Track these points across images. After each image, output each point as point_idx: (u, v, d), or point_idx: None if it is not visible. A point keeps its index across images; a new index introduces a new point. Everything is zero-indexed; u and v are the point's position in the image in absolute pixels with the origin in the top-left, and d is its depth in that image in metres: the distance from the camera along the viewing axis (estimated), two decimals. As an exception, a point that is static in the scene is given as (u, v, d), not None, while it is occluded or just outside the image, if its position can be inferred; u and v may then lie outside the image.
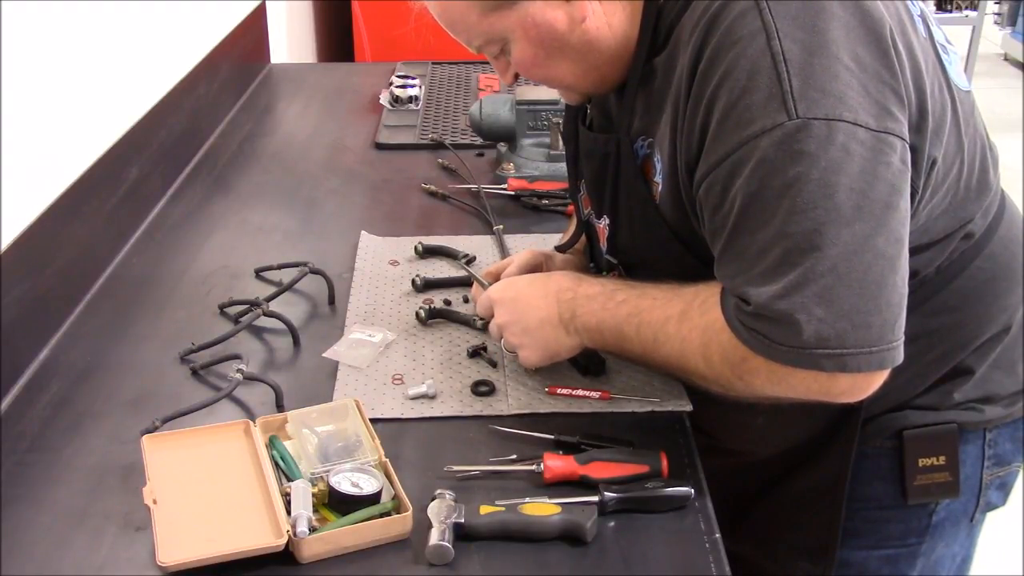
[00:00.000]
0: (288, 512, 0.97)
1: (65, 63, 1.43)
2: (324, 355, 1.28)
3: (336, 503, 0.99)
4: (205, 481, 1.04)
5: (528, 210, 1.71)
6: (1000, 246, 1.15)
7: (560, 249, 1.36)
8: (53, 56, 1.40)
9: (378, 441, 1.06)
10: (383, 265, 1.51)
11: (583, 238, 1.33)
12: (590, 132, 1.21)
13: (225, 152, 2.00)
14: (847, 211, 0.91)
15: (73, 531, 1.01)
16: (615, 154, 1.14)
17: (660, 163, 1.08)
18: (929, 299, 1.11)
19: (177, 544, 0.94)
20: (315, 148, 2.04)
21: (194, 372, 1.25)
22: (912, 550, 1.26)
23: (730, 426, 1.25)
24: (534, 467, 1.05)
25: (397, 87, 2.28)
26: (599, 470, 1.05)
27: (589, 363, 1.21)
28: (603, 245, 1.22)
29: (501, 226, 1.61)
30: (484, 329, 1.30)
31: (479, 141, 1.96)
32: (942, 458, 1.19)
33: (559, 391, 1.18)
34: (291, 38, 2.99)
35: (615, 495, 1.01)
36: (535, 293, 1.17)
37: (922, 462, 1.19)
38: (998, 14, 6.63)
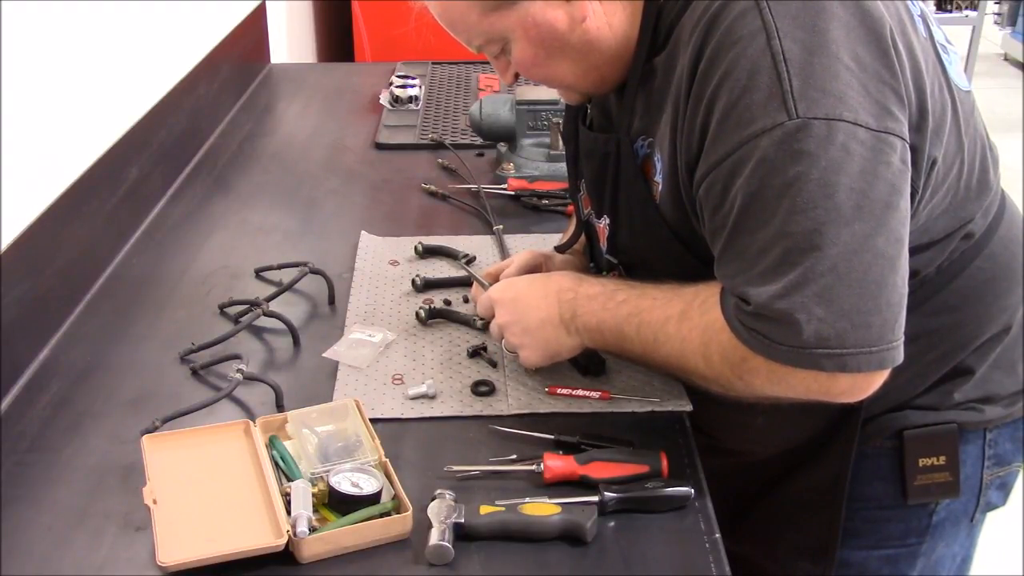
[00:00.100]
0: (288, 512, 0.97)
1: (65, 63, 1.43)
2: (324, 355, 1.28)
3: (336, 503, 0.99)
4: (205, 481, 1.04)
5: (528, 210, 1.71)
6: (1000, 246, 1.15)
7: (560, 249, 1.36)
8: (53, 56, 1.40)
9: (378, 441, 1.06)
10: (383, 265, 1.51)
11: (583, 238, 1.33)
12: (590, 132, 1.21)
13: (225, 152, 2.00)
14: (847, 211, 0.91)
15: (73, 531, 1.01)
16: (615, 154, 1.14)
17: (660, 163, 1.08)
18: (929, 299, 1.11)
19: (177, 544, 0.94)
20: (315, 148, 2.04)
21: (194, 372, 1.25)
22: (912, 550, 1.26)
23: (730, 426, 1.25)
24: (534, 467, 1.05)
25: (397, 87, 2.28)
26: (599, 470, 1.05)
27: (589, 363, 1.21)
28: (603, 245, 1.22)
29: (501, 226, 1.61)
30: (484, 329, 1.30)
31: (479, 141, 1.96)
32: (942, 458, 1.19)
33: (559, 391, 1.18)
34: (291, 38, 2.99)
35: (615, 495, 1.01)
36: (536, 293, 1.17)
37: (922, 462, 1.19)
38: (998, 14, 6.63)
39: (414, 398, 1.19)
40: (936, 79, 1.02)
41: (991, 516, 1.31)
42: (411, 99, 2.26)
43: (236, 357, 1.24)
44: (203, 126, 2.04)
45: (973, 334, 1.16)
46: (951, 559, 1.29)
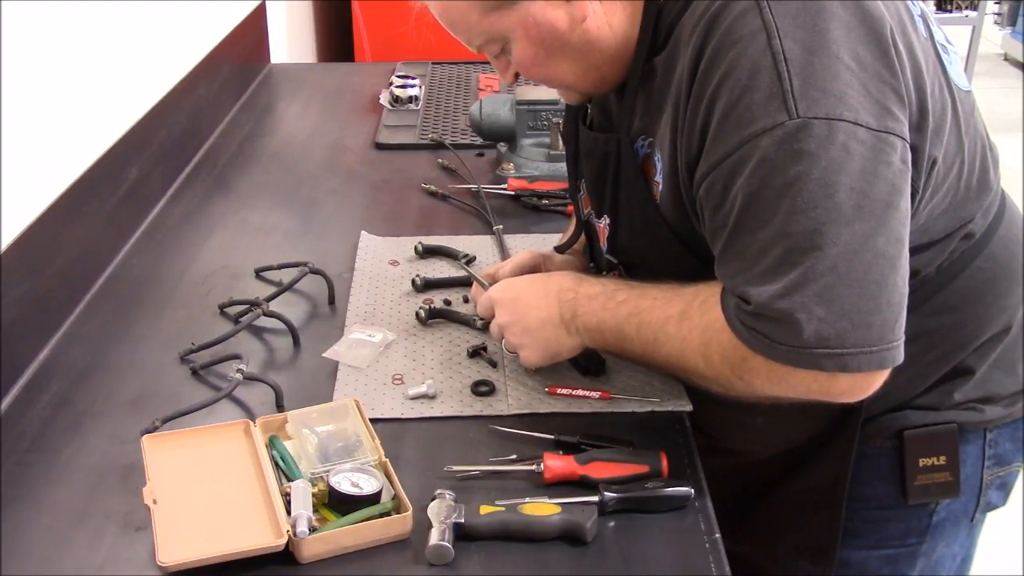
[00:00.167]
0: (288, 512, 0.97)
1: (65, 63, 1.43)
2: (324, 355, 1.28)
3: (336, 503, 0.99)
4: (205, 481, 1.04)
5: (528, 210, 1.71)
6: (1000, 246, 1.15)
7: (559, 249, 1.36)
8: (53, 56, 1.40)
9: (378, 441, 1.06)
10: (383, 265, 1.51)
11: (582, 238, 1.33)
12: (590, 132, 1.21)
13: (225, 152, 2.00)
14: (847, 210, 0.91)
15: (73, 531, 1.01)
16: (615, 154, 1.14)
17: (660, 162, 1.08)
18: (929, 299, 1.11)
19: (177, 544, 0.94)
20: (315, 148, 2.04)
21: (194, 372, 1.25)
22: (912, 550, 1.26)
23: (730, 426, 1.25)
24: (534, 467, 1.05)
25: (397, 87, 2.28)
26: (599, 470, 1.05)
27: (589, 363, 1.21)
28: (603, 245, 1.22)
29: (501, 226, 1.61)
30: (484, 329, 1.30)
31: (479, 141, 1.96)
32: (942, 458, 1.19)
33: (559, 391, 1.18)
34: (291, 38, 2.99)
35: (615, 495, 1.01)
36: (536, 293, 1.17)
37: (922, 462, 1.19)
38: (998, 14, 6.63)
39: (414, 398, 1.19)
40: (936, 79, 1.02)
41: (991, 516, 1.31)
42: (411, 99, 2.26)
43: (236, 357, 1.24)
44: (203, 126, 2.04)
45: (973, 334, 1.16)
46: (951, 559, 1.29)
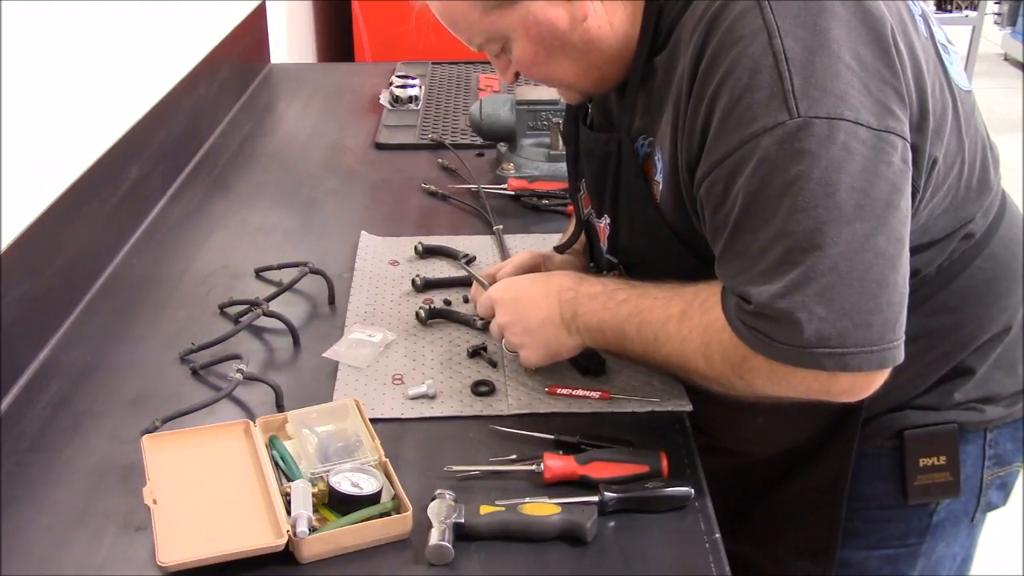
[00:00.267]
0: (288, 512, 0.97)
1: (65, 63, 1.43)
2: (324, 355, 1.28)
3: (336, 503, 0.99)
4: (205, 481, 1.03)
5: (528, 210, 1.71)
6: (1000, 246, 1.15)
7: (559, 249, 1.35)
8: (53, 56, 1.40)
9: (378, 441, 1.06)
10: (383, 265, 1.51)
11: (582, 238, 1.33)
12: (591, 131, 1.21)
13: (225, 152, 2.00)
14: (848, 210, 0.91)
15: (73, 531, 1.01)
16: (616, 153, 1.14)
17: (661, 162, 1.08)
18: (930, 299, 1.11)
19: (177, 544, 0.94)
20: (315, 148, 2.04)
21: (194, 372, 1.25)
22: (912, 550, 1.25)
23: (730, 426, 1.24)
24: (534, 467, 1.05)
25: (397, 87, 2.28)
26: (599, 470, 1.04)
27: (589, 363, 1.21)
28: (603, 244, 1.22)
29: (501, 226, 1.61)
30: (484, 329, 1.30)
31: (479, 141, 1.96)
32: (943, 458, 1.19)
33: (559, 391, 1.18)
34: (291, 38, 2.99)
35: (615, 495, 1.01)
36: (536, 293, 1.17)
37: (923, 462, 1.19)
38: (998, 14, 6.63)
39: (414, 398, 1.19)
40: (937, 79, 1.02)
41: (991, 516, 1.31)
42: (411, 99, 2.26)
43: (236, 357, 1.24)
44: (203, 126, 2.04)
45: (973, 334, 1.16)
46: (951, 559, 1.29)
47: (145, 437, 1.07)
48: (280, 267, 1.47)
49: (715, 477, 1.08)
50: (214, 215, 1.73)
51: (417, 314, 1.35)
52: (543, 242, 1.56)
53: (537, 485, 1.05)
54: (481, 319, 1.30)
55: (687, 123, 1.00)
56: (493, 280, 1.29)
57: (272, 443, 1.07)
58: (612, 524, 1.01)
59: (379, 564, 0.96)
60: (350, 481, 1.00)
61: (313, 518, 0.97)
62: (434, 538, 0.95)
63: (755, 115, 0.92)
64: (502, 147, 1.88)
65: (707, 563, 0.97)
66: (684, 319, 1.04)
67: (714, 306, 1.02)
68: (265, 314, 1.33)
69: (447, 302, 1.39)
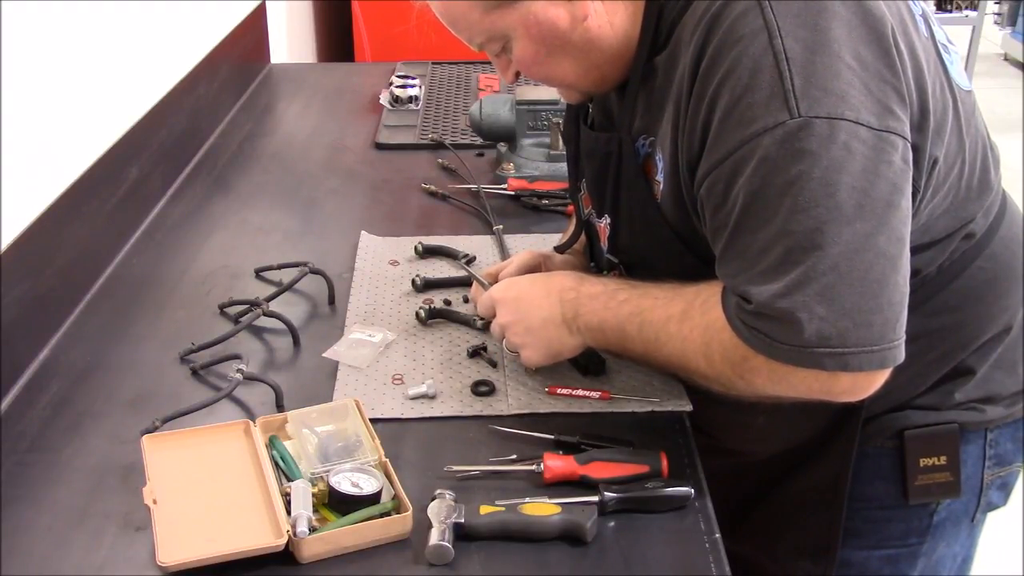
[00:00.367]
0: (288, 512, 0.97)
1: (65, 63, 1.43)
2: (324, 355, 1.28)
3: (336, 503, 0.99)
4: (205, 481, 1.03)
5: (528, 210, 1.71)
6: (1001, 246, 1.15)
7: (559, 249, 1.35)
8: (53, 56, 1.40)
9: (378, 441, 1.06)
10: (383, 265, 1.51)
11: (582, 238, 1.33)
12: (591, 131, 1.20)
13: (225, 152, 2.00)
14: (849, 210, 0.91)
15: (73, 531, 1.01)
16: (616, 153, 1.14)
17: (662, 162, 1.08)
18: (930, 299, 1.11)
19: (177, 544, 0.94)
20: (315, 148, 2.04)
21: (194, 372, 1.25)
22: (913, 550, 1.25)
23: (730, 426, 1.24)
24: (534, 467, 1.05)
25: (397, 87, 2.28)
26: (599, 470, 1.04)
27: (589, 363, 1.21)
28: (604, 244, 1.22)
29: (501, 226, 1.61)
30: (484, 329, 1.30)
31: (479, 141, 1.96)
32: (943, 458, 1.19)
33: (559, 391, 1.18)
34: (291, 38, 2.99)
35: (615, 495, 1.01)
36: (538, 293, 1.17)
37: (923, 462, 1.19)
38: (998, 14, 6.63)
39: (414, 398, 1.18)
40: (937, 79, 1.02)
41: (992, 516, 1.31)
42: (411, 99, 2.26)
43: (236, 357, 1.24)
44: (203, 126, 2.04)
45: (974, 334, 1.16)
46: (952, 559, 1.29)
47: (145, 437, 1.07)
48: (280, 267, 1.47)
49: (715, 477, 1.08)
50: (214, 215, 1.73)
51: (417, 314, 1.34)
52: (543, 242, 1.56)
53: (537, 485, 1.05)
54: (481, 319, 1.30)
55: (688, 123, 1.00)
56: (494, 280, 1.29)
57: (272, 443, 1.07)
58: (612, 524, 1.01)
59: (379, 564, 0.96)
60: (350, 481, 1.00)
61: (313, 518, 0.96)
62: (434, 538, 0.95)
63: (756, 115, 0.92)
64: (502, 147, 1.88)
65: (707, 563, 0.97)
66: (685, 319, 1.04)
67: (715, 306, 1.02)
68: (265, 314, 1.33)
69: (447, 302, 1.39)
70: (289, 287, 1.40)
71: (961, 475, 1.20)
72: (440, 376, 1.23)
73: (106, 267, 1.52)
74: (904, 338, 0.95)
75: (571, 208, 1.50)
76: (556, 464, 1.05)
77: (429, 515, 0.97)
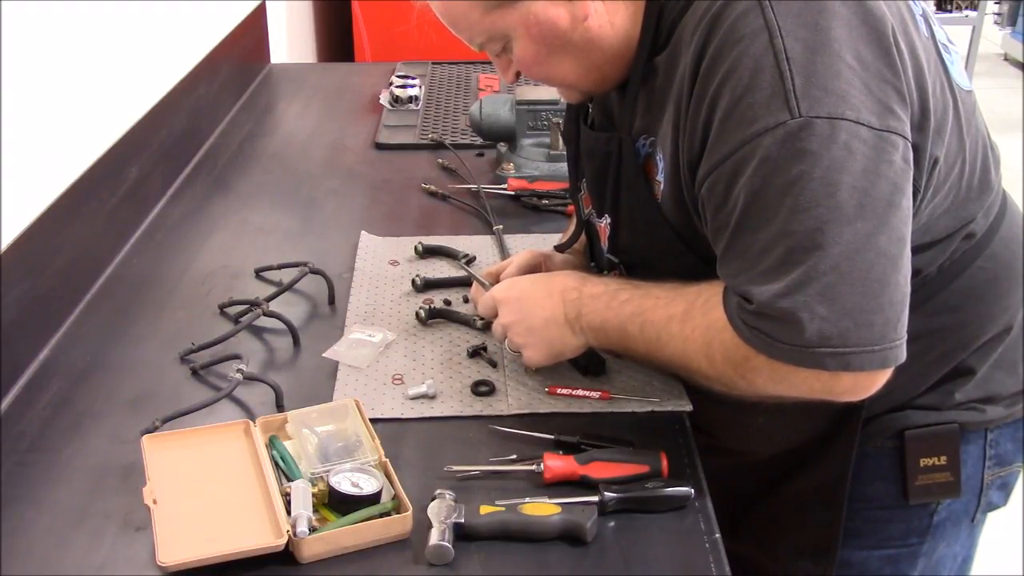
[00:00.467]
0: (288, 512, 0.96)
1: (65, 63, 1.43)
2: (324, 355, 1.27)
3: (336, 503, 0.99)
4: (205, 481, 1.03)
5: (528, 210, 1.71)
6: (1001, 246, 1.15)
7: (559, 249, 1.35)
8: (53, 56, 1.39)
9: (378, 441, 1.06)
10: (383, 265, 1.51)
11: (582, 237, 1.33)
12: (591, 131, 1.20)
13: (225, 152, 2.00)
14: (849, 209, 0.91)
15: (73, 531, 1.01)
16: (616, 153, 1.14)
17: (662, 162, 1.08)
18: (930, 299, 1.11)
19: (177, 544, 0.94)
20: (315, 148, 2.04)
21: (194, 372, 1.25)
22: (913, 550, 1.25)
23: (730, 426, 1.24)
24: (534, 467, 1.05)
25: (397, 87, 2.28)
26: (599, 470, 1.04)
27: (589, 363, 1.21)
28: (604, 244, 1.22)
29: (501, 226, 1.61)
30: (484, 329, 1.30)
31: (479, 141, 1.96)
32: (943, 458, 1.19)
33: (559, 391, 1.18)
34: (291, 38, 2.99)
35: (615, 495, 1.01)
36: (540, 293, 1.17)
37: (923, 462, 1.19)
38: (998, 14, 6.63)
39: (414, 398, 1.18)
40: (938, 78, 1.02)
41: (992, 516, 1.31)
42: (411, 99, 2.26)
43: (236, 357, 1.24)
44: (203, 126, 2.04)
45: (974, 334, 1.16)
46: (952, 559, 1.29)
47: (145, 437, 1.07)
48: (280, 267, 1.47)
49: (715, 477, 1.08)
50: (214, 215, 1.73)
51: (417, 314, 1.34)
52: (543, 242, 1.55)
53: (537, 485, 1.05)
54: (481, 319, 1.30)
55: (688, 123, 1.00)
56: (495, 279, 1.29)
57: (272, 443, 1.07)
58: (612, 524, 1.01)
59: (379, 564, 0.96)
60: (350, 481, 1.00)
61: (313, 518, 0.96)
62: (434, 538, 0.95)
63: (756, 115, 0.92)
64: (502, 147, 1.88)
65: (707, 563, 0.97)
66: (686, 319, 1.04)
67: (716, 306, 1.02)
68: (265, 314, 1.33)
69: (447, 302, 1.39)
70: (289, 287, 1.40)
71: (961, 475, 1.20)
72: (440, 376, 1.23)
73: (106, 267, 1.52)
74: (905, 338, 0.95)
75: (571, 208, 1.50)
76: (556, 464, 1.05)
77: (429, 515, 0.97)
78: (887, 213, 0.93)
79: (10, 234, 1.25)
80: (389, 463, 1.03)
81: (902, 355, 0.95)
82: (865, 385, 0.97)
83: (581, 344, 1.15)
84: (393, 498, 1.00)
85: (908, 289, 0.96)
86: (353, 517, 0.97)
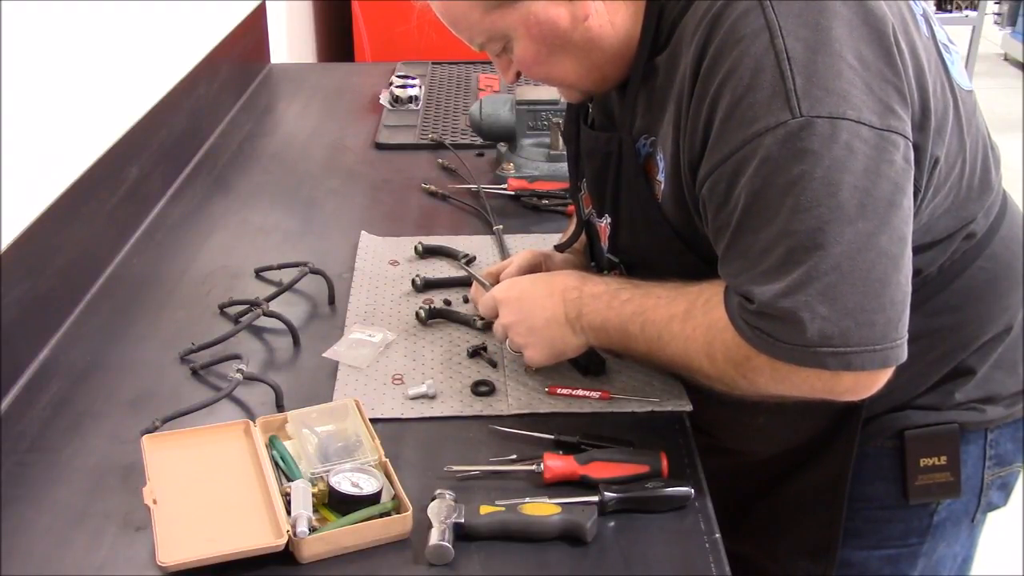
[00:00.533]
0: (288, 512, 0.96)
1: (65, 63, 1.43)
2: (324, 355, 1.27)
3: (336, 503, 0.99)
4: (205, 481, 1.03)
5: (528, 210, 1.71)
6: (1002, 246, 1.15)
7: (559, 248, 1.35)
8: (53, 56, 1.39)
9: (378, 441, 1.06)
10: (383, 265, 1.51)
11: (582, 237, 1.33)
12: (592, 131, 1.20)
13: (225, 152, 2.00)
14: (850, 209, 0.91)
15: (73, 531, 1.01)
16: (617, 153, 1.14)
17: (663, 162, 1.08)
18: (931, 299, 1.11)
19: (177, 544, 0.94)
20: (315, 148, 2.04)
21: (194, 372, 1.25)
22: (913, 550, 1.25)
23: (730, 426, 1.24)
24: (534, 467, 1.05)
25: (397, 87, 2.28)
26: (599, 470, 1.04)
27: (589, 363, 1.21)
28: (604, 244, 1.22)
29: (501, 226, 1.61)
30: (484, 329, 1.30)
31: (479, 141, 1.96)
32: (943, 458, 1.19)
33: (559, 391, 1.18)
34: (291, 38, 2.99)
35: (615, 495, 1.01)
36: (540, 292, 1.16)
37: (923, 462, 1.19)
38: (998, 14, 6.63)
39: (414, 398, 1.18)
40: (938, 78, 1.02)
41: (992, 516, 1.31)
42: (411, 99, 2.26)
43: (236, 357, 1.24)
44: (203, 126, 2.04)
45: (974, 334, 1.16)
46: (952, 559, 1.29)
47: (145, 437, 1.07)
48: (280, 267, 1.47)
49: (715, 477, 1.08)
50: (214, 215, 1.73)
51: (417, 314, 1.34)
52: (543, 242, 1.55)
53: (537, 485, 1.05)
54: (481, 319, 1.30)
55: (689, 123, 1.00)
56: (495, 280, 1.29)
57: (272, 443, 1.07)
58: (612, 524, 1.01)
59: (379, 564, 0.96)
60: (350, 481, 1.00)
61: (313, 518, 0.96)
62: (434, 538, 0.95)
63: (757, 115, 0.92)
64: (502, 147, 1.88)
65: (707, 563, 0.97)
66: (688, 318, 1.04)
67: (717, 305, 1.02)
68: (265, 314, 1.33)
69: (447, 302, 1.39)
70: (289, 287, 1.40)
71: (961, 475, 1.20)
72: (440, 376, 1.23)
73: (106, 267, 1.52)
74: (906, 337, 0.95)
75: (571, 208, 1.50)
76: (556, 464, 1.05)
77: (429, 515, 0.97)
78: (888, 213, 0.93)
79: (10, 234, 1.25)
80: (389, 463, 1.03)
81: (903, 355, 0.95)
82: (866, 384, 0.97)
83: (582, 344, 1.15)
84: (393, 498, 1.00)
85: (909, 289, 0.96)
86: (353, 517, 0.97)
